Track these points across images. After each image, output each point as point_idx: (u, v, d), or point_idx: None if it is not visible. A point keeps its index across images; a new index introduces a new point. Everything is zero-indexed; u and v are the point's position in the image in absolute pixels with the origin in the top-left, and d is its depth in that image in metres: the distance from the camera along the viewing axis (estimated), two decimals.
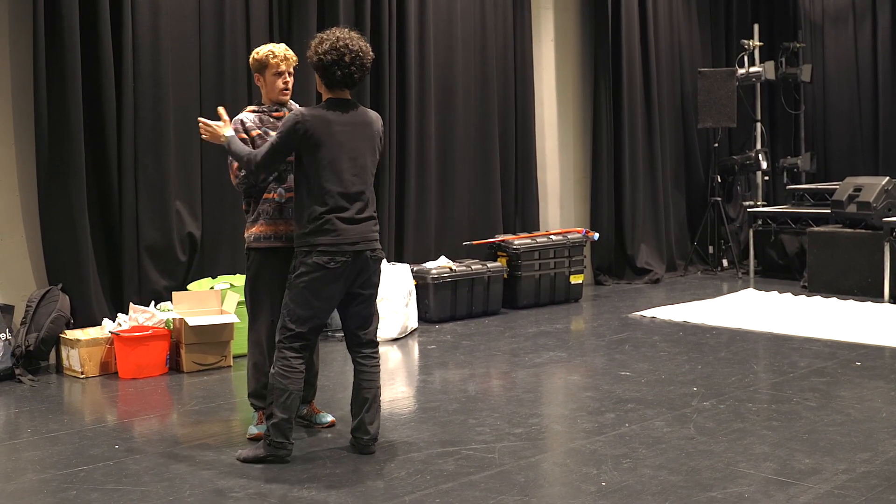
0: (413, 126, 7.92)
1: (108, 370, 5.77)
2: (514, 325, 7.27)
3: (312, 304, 4.01)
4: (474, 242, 8.21)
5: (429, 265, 7.54)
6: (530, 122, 9.02)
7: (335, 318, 6.68)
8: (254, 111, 4.46)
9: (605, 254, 9.49)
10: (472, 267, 7.63)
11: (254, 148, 4.28)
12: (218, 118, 4.32)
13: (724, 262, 10.27)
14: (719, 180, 10.30)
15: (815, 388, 5.18)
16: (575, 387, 5.35)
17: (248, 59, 4.55)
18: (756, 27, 10.78)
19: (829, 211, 8.84)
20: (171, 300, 6.10)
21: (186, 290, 6.37)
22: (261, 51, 4.44)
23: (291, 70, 4.46)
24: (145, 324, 5.91)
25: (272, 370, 4.05)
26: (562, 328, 7.18)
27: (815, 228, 8.82)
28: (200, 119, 4.32)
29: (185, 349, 5.80)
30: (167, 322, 5.94)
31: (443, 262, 7.65)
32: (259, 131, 4.38)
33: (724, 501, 3.51)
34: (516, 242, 8.05)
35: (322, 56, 4.03)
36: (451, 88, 8.29)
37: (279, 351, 4.05)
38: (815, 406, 4.81)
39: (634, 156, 9.57)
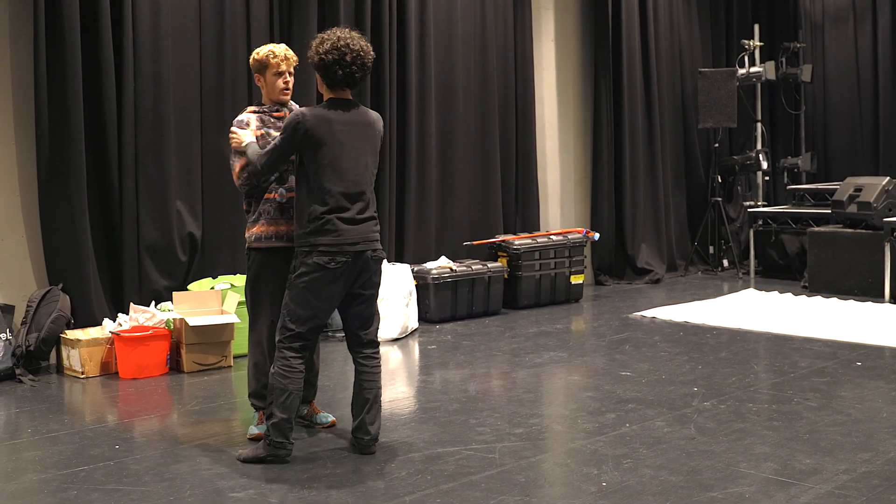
0: (413, 126, 7.92)
1: (108, 370, 5.77)
2: (514, 326, 7.27)
3: (312, 305, 4.01)
4: (475, 242, 8.21)
5: (429, 265, 7.54)
6: (531, 122, 9.02)
7: (335, 318, 6.68)
8: (254, 111, 4.46)
9: (606, 254, 9.49)
10: (473, 267, 7.63)
11: None
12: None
13: (725, 263, 10.27)
14: (720, 180, 10.30)
15: (815, 388, 5.18)
16: (575, 387, 5.35)
17: (249, 59, 4.55)
18: (756, 27, 10.78)
19: (829, 211, 8.84)
20: (171, 300, 6.10)
21: (187, 290, 6.37)
22: (261, 51, 4.44)
23: (292, 70, 4.46)
24: (146, 324, 5.91)
25: (272, 370, 4.05)
26: (562, 328, 7.18)
27: (816, 228, 8.82)
28: (232, 129, 4.35)
29: (185, 349, 5.80)
30: (168, 322, 5.94)
31: (443, 262, 7.65)
32: (261, 132, 4.38)
33: (724, 501, 3.51)
34: (517, 242, 8.05)
35: (323, 56, 4.03)
36: (451, 88, 8.29)
37: (279, 351, 4.05)
38: (815, 406, 4.80)
39: (635, 156, 9.57)
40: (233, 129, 4.36)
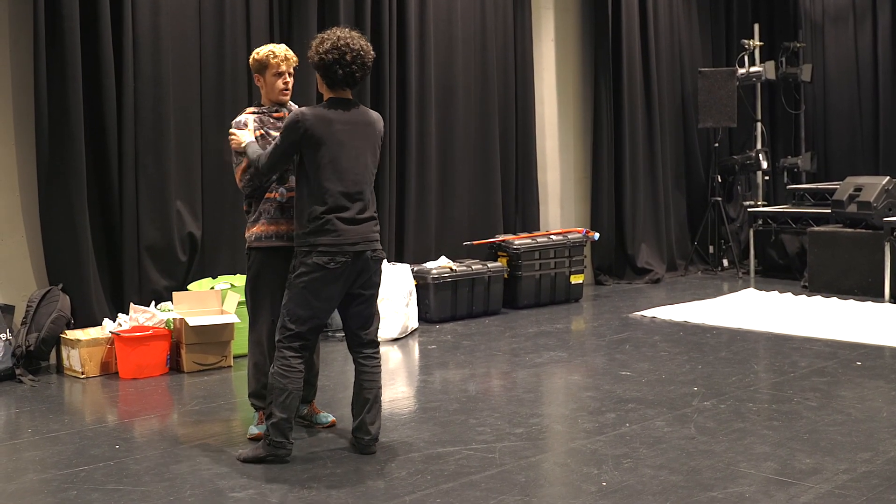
0: (413, 126, 7.92)
1: (108, 370, 5.77)
2: (514, 325, 7.27)
3: (312, 304, 4.01)
4: (475, 242, 8.21)
5: (429, 265, 7.54)
6: (530, 122, 9.02)
7: (336, 318, 6.68)
8: (254, 112, 4.46)
9: (606, 254, 9.49)
10: (473, 267, 7.63)
11: None
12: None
13: (725, 262, 10.27)
14: (720, 180, 10.30)
15: (815, 387, 5.18)
16: (575, 387, 5.35)
17: (248, 59, 4.55)
18: (756, 27, 10.78)
19: (829, 211, 8.84)
20: (171, 300, 6.10)
21: (187, 290, 6.37)
22: (261, 51, 4.44)
23: (291, 70, 4.46)
24: (146, 324, 5.91)
25: (272, 370, 4.06)
26: (562, 328, 7.18)
27: (816, 228, 8.82)
28: (231, 130, 4.36)
29: (185, 349, 5.80)
30: (167, 322, 5.94)
31: (443, 262, 7.65)
32: (260, 132, 4.38)
33: (724, 501, 3.51)
34: (517, 242, 8.05)
35: (323, 55, 4.03)
36: (451, 88, 8.29)
37: (278, 350, 4.05)
38: (815, 406, 4.80)
39: (635, 156, 9.57)
40: (232, 130, 4.37)
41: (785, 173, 11.02)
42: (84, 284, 6.07)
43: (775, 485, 3.67)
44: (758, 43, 10.61)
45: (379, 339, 4.29)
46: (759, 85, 10.57)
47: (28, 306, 5.88)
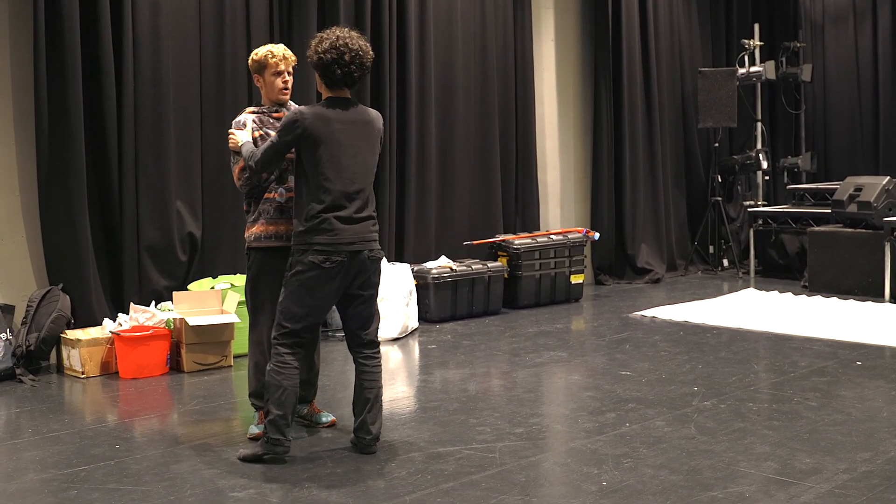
0: (413, 126, 7.92)
1: (108, 370, 5.77)
2: (514, 325, 7.27)
3: (307, 303, 4.02)
4: (475, 242, 8.21)
5: (429, 265, 7.54)
6: (531, 122, 9.01)
7: (336, 318, 6.68)
8: (253, 112, 4.46)
9: (606, 253, 9.49)
10: (473, 267, 7.63)
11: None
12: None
13: (725, 262, 10.27)
14: (720, 180, 10.29)
15: (815, 387, 5.18)
16: (575, 386, 5.35)
17: (248, 59, 4.55)
18: (756, 27, 10.78)
19: (829, 211, 8.84)
20: (171, 300, 6.10)
21: (187, 289, 6.37)
22: (259, 51, 4.44)
23: (291, 70, 4.46)
24: (146, 324, 5.91)
25: (268, 367, 4.07)
26: (562, 328, 7.17)
27: (816, 228, 8.82)
28: (230, 130, 4.37)
29: (185, 349, 5.80)
30: (168, 322, 5.94)
31: (443, 261, 7.65)
32: (260, 132, 4.38)
33: (725, 501, 3.51)
34: (517, 242, 8.05)
35: (322, 55, 4.03)
36: (451, 88, 8.29)
37: (274, 347, 4.07)
38: (815, 406, 4.80)
39: (635, 156, 9.56)
40: (231, 130, 4.38)
41: (785, 173, 11.02)
42: (84, 284, 6.07)
43: (775, 484, 3.67)
44: (758, 43, 10.61)
45: (379, 339, 4.28)
46: (759, 85, 10.57)
47: (28, 306, 5.88)
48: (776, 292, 8.51)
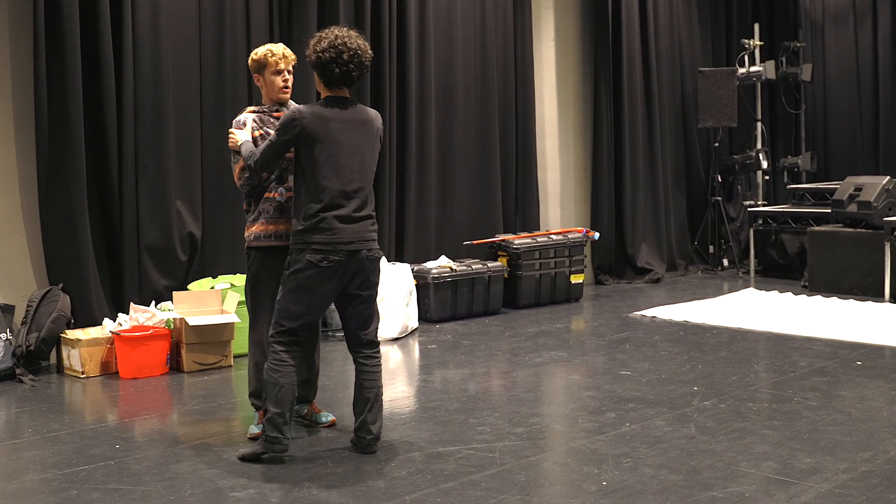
0: (413, 126, 7.92)
1: (108, 370, 5.77)
2: (514, 325, 7.27)
3: (304, 301, 4.02)
4: (475, 242, 8.21)
5: (429, 265, 7.54)
6: (531, 122, 9.01)
7: (336, 317, 6.68)
8: (254, 111, 4.46)
9: (606, 253, 9.49)
10: (473, 266, 7.63)
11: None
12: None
13: (725, 262, 10.27)
14: (720, 180, 10.29)
15: (815, 387, 5.18)
16: (575, 386, 5.35)
17: (248, 59, 4.55)
18: (756, 26, 10.78)
19: (829, 210, 8.84)
20: (171, 300, 6.10)
21: (187, 289, 6.37)
22: (259, 51, 4.45)
23: (290, 68, 4.46)
24: (146, 323, 5.91)
25: (265, 365, 4.07)
26: (562, 328, 7.18)
27: (816, 228, 8.82)
28: (230, 130, 4.38)
29: (185, 349, 5.80)
30: (168, 322, 5.94)
31: (443, 261, 7.65)
32: (260, 132, 4.38)
33: (725, 501, 3.51)
34: (517, 242, 8.05)
35: (320, 54, 4.04)
36: (451, 88, 8.28)
37: (270, 346, 4.08)
38: (815, 405, 4.80)
39: (635, 155, 9.56)
40: (231, 129, 4.38)
41: (785, 173, 11.02)
42: (84, 284, 6.07)
43: (775, 484, 3.67)
44: (758, 42, 10.61)
45: (379, 339, 4.28)
46: (759, 84, 10.56)
47: (28, 306, 5.88)
48: (776, 292, 8.51)
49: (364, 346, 4.20)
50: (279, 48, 4.44)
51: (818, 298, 8.17)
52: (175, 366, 5.88)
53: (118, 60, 6.23)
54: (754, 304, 7.97)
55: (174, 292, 6.08)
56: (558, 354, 6.18)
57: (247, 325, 4.53)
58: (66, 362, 5.81)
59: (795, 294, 8.42)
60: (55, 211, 6.00)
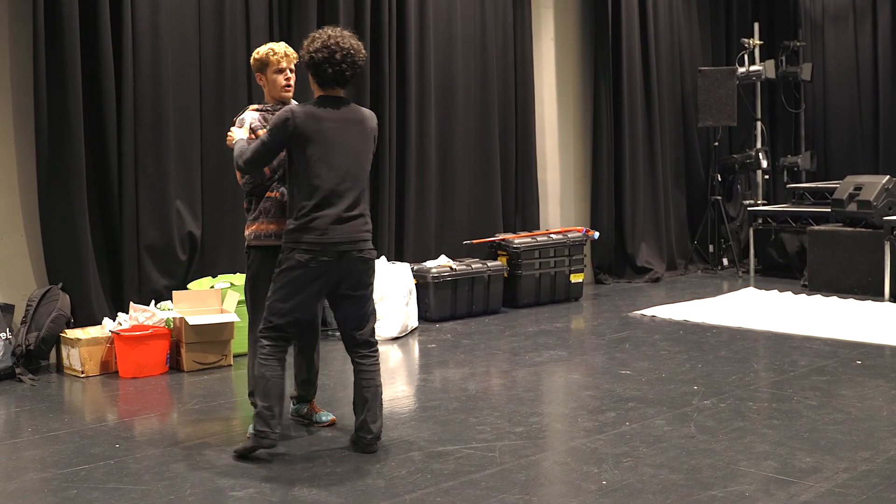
0: (413, 125, 7.92)
1: (108, 369, 5.77)
2: (514, 324, 7.27)
3: (293, 299, 4.04)
4: (474, 241, 8.21)
5: (429, 264, 7.54)
6: (530, 122, 9.01)
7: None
8: (257, 110, 4.47)
9: (606, 253, 9.49)
10: (473, 266, 7.63)
11: None
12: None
13: (725, 261, 10.26)
14: (719, 179, 10.29)
15: (815, 386, 5.18)
16: (575, 385, 5.35)
17: (248, 59, 4.55)
18: (756, 26, 10.78)
19: (829, 210, 8.84)
20: (171, 299, 6.10)
21: (187, 289, 6.37)
22: (261, 50, 4.45)
23: (293, 67, 4.46)
24: (145, 323, 5.91)
25: (255, 360, 4.10)
26: (562, 327, 7.18)
27: (816, 227, 8.82)
28: (230, 129, 4.39)
29: (185, 348, 5.80)
30: (167, 321, 5.94)
31: (443, 261, 7.65)
32: (262, 131, 4.38)
33: (724, 500, 3.51)
34: (516, 241, 8.05)
35: (313, 54, 4.05)
36: (451, 88, 8.28)
37: (259, 341, 4.11)
38: (815, 405, 4.80)
39: (634, 155, 9.56)
40: (231, 128, 4.39)
41: (785, 172, 11.02)
42: (84, 284, 6.07)
43: (775, 483, 3.67)
44: (758, 42, 10.61)
45: (376, 339, 4.26)
46: (758, 84, 10.56)
47: (28, 306, 5.88)
48: (776, 291, 8.51)
49: (360, 346, 4.20)
50: (281, 47, 4.44)
51: (818, 298, 8.17)
52: (175, 365, 5.88)
53: (118, 60, 6.23)
54: (754, 304, 7.97)
55: (174, 292, 6.08)
56: (558, 354, 6.18)
57: (246, 324, 4.53)
58: (65, 362, 5.81)
59: (795, 293, 8.42)
60: (55, 210, 6.00)
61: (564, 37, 9.42)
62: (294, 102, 4.54)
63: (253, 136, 4.35)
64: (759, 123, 10.64)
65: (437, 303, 7.37)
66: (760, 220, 9.77)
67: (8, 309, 5.82)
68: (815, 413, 4.65)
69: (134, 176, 6.34)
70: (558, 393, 5.29)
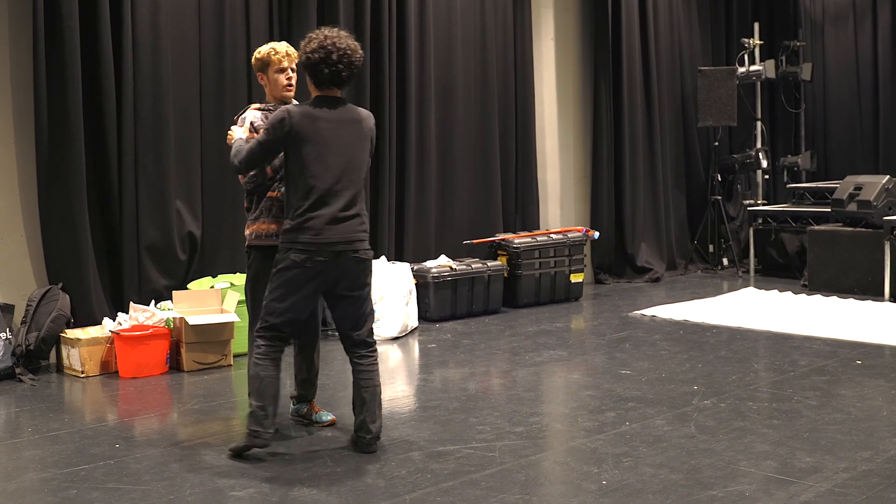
0: (413, 125, 7.92)
1: (108, 369, 5.77)
2: (514, 324, 7.27)
3: (288, 299, 4.04)
4: (474, 241, 8.21)
5: (429, 264, 7.54)
6: (530, 122, 9.01)
7: None
8: (259, 109, 4.47)
9: (606, 253, 9.49)
10: (473, 266, 7.63)
11: None
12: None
13: (725, 261, 10.27)
14: (719, 179, 10.29)
15: (815, 386, 5.18)
16: (575, 385, 5.35)
17: (248, 59, 4.56)
18: (756, 25, 10.78)
19: (829, 209, 8.84)
20: (171, 299, 6.10)
21: (187, 289, 6.37)
22: (262, 50, 4.45)
23: (294, 66, 4.46)
24: (145, 323, 5.91)
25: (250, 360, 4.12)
26: (562, 327, 7.18)
27: (816, 227, 8.82)
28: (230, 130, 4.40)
29: (185, 348, 5.80)
30: (167, 321, 5.94)
31: (443, 260, 7.65)
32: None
33: (724, 500, 3.51)
34: (516, 241, 8.05)
35: (310, 55, 4.05)
36: (451, 88, 8.28)
37: (255, 340, 4.12)
38: (815, 405, 4.80)
39: (634, 155, 9.56)
40: (231, 127, 4.39)
41: (785, 172, 11.02)
42: (84, 284, 6.07)
43: (775, 483, 3.67)
44: (758, 42, 10.61)
45: (374, 339, 4.26)
46: (758, 84, 10.56)
47: (28, 305, 5.88)
48: (776, 291, 8.51)
49: (358, 346, 4.20)
50: (282, 46, 4.44)
51: (818, 297, 8.17)
52: (175, 365, 5.88)
53: (118, 60, 6.23)
54: (754, 304, 7.98)
55: (174, 292, 6.08)
56: (558, 353, 6.18)
57: (246, 324, 4.53)
58: (65, 362, 5.81)
59: (795, 293, 8.42)
60: (55, 210, 6.00)
61: (564, 37, 9.42)
62: (295, 102, 4.55)
63: (254, 134, 4.35)
64: (759, 123, 10.64)
65: (437, 303, 7.37)
66: (760, 220, 9.77)
67: (8, 309, 5.82)
68: (815, 413, 4.65)
69: (134, 176, 6.35)
70: (558, 393, 5.29)
